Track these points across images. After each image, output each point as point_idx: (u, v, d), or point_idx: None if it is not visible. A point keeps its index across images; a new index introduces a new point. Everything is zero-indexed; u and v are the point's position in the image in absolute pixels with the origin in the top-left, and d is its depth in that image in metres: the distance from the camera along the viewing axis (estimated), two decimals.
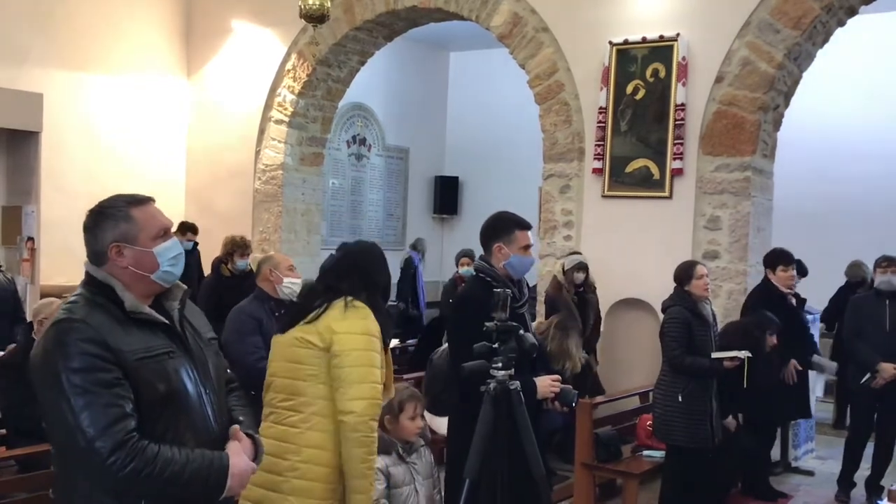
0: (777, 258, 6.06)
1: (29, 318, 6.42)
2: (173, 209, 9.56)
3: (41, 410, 2.18)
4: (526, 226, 3.63)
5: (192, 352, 2.30)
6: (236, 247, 6.93)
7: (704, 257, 6.73)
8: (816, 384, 6.49)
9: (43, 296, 6.81)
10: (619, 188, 7.11)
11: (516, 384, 3.07)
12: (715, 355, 5.14)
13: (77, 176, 8.65)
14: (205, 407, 2.27)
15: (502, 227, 3.60)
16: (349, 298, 3.03)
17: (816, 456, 7.24)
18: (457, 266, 9.00)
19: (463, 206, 13.27)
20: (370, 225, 12.43)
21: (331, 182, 11.55)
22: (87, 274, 2.27)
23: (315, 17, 6.68)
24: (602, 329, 7.13)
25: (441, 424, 5.56)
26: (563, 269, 6.74)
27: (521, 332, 3.10)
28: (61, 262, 7.99)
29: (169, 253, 2.26)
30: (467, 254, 8.79)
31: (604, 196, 7.19)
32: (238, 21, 9.43)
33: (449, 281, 9.19)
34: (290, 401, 3.01)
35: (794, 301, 6.07)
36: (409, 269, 10.81)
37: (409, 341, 8.49)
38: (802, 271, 5.96)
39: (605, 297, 7.15)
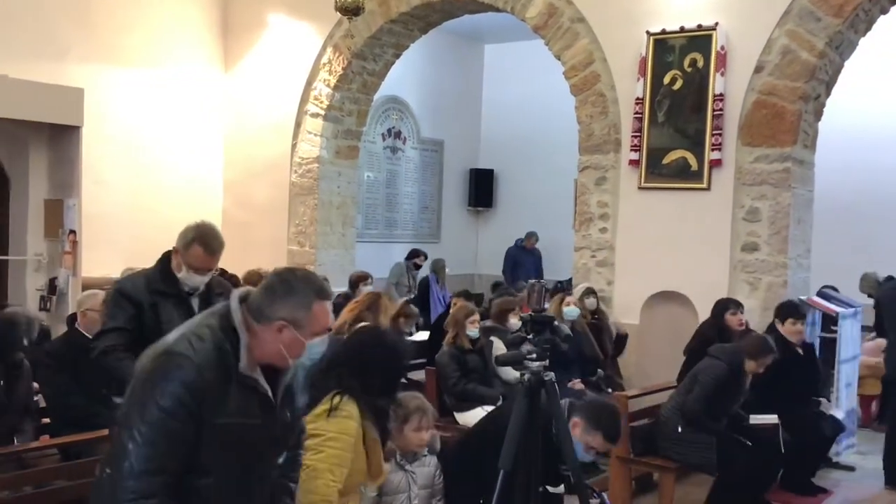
0: (788, 311, 5.91)
1: (72, 309, 6.55)
2: (210, 202, 9.67)
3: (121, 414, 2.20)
4: None
5: (276, 431, 2.29)
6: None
7: (743, 250, 6.65)
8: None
9: (84, 288, 6.92)
10: (655, 180, 7.05)
11: (551, 375, 3.07)
12: (753, 420, 5.30)
13: (117, 169, 8.79)
14: (252, 486, 2.27)
15: None
16: (336, 401, 2.98)
17: (857, 451, 7.12)
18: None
19: (498, 199, 13.24)
20: (405, 218, 12.46)
21: (366, 175, 11.58)
22: (227, 314, 2.22)
23: (350, 10, 6.71)
24: (639, 323, 7.11)
25: (467, 418, 5.59)
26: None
27: (556, 322, 3.10)
28: (102, 254, 8.13)
29: (315, 348, 2.26)
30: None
31: (640, 188, 7.13)
32: (274, 15, 9.50)
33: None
34: None
35: (800, 350, 5.96)
36: (424, 292, 10.36)
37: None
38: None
39: (641, 290, 7.09)
